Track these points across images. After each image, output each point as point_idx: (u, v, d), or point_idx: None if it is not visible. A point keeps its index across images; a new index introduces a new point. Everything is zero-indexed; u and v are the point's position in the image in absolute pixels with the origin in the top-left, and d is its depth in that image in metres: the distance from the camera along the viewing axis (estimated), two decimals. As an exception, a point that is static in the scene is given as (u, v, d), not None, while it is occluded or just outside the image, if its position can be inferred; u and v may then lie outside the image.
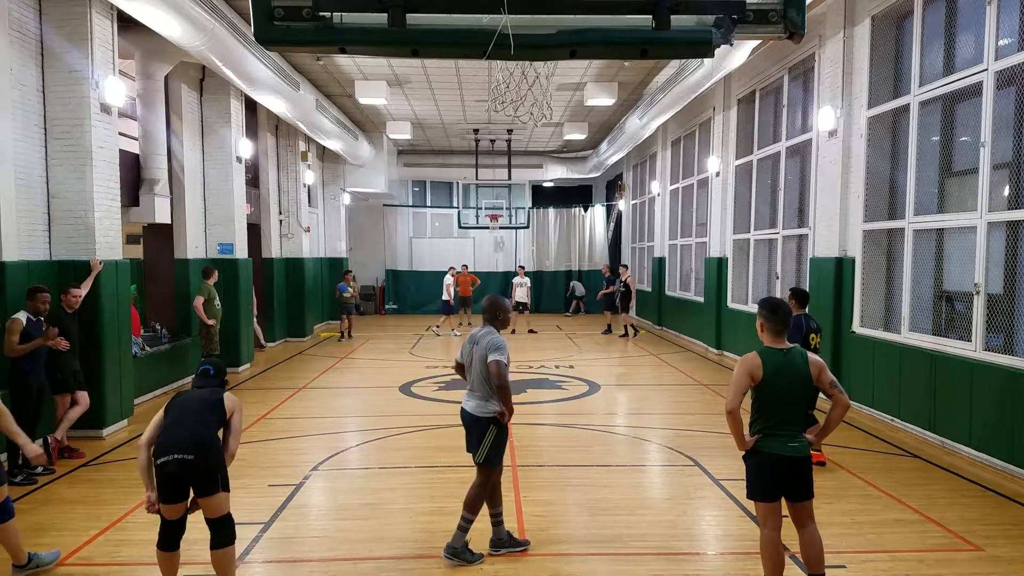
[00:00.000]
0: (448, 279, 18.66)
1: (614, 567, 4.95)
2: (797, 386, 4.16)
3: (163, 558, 4.27)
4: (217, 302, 11.10)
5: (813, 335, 6.99)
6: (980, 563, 4.97)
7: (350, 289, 17.77)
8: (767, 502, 4.21)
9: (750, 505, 6.01)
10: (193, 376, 4.62)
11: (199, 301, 10.77)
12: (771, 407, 4.15)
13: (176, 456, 4.05)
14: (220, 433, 4.35)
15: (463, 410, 5.06)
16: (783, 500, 4.22)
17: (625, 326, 18.03)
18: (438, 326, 18.75)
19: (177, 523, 4.24)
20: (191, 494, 4.20)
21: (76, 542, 5.27)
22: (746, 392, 4.18)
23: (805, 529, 4.23)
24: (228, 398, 4.40)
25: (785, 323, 4.23)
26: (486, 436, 4.92)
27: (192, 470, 4.08)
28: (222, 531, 4.24)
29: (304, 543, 5.32)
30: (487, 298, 5.23)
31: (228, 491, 4.26)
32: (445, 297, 18.58)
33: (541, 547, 5.22)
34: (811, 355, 4.23)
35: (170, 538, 4.25)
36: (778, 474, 4.15)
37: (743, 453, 4.30)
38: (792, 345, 4.25)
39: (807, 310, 7.40)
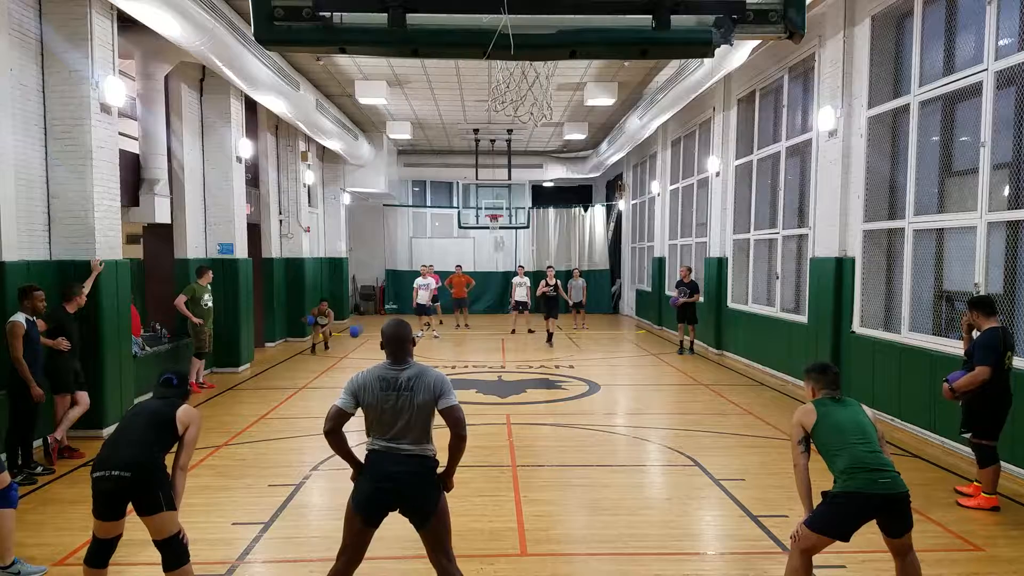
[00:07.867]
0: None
1: (614, 567, 4.96)
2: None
3: (89, 575, 4.12)
4: (207, 302, 11.09)
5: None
6: (980, 563, 4.98)
7: (324, 319, 15.31)
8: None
9: (750, 505, 6.05)
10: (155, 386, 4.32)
11: (180, 300, 10.86)
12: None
13: (112, 472, 3.91)
14: (174, 449, 4.17)
15: (388, 476, 3.81)
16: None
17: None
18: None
19: (108, 542, 4.09)
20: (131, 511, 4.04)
21: (76, 542, 5.26)
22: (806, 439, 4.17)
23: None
24: (183, 412, 4.19)
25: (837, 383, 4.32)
26: (435, 486, 3.91)
27: (128, 488, 3.93)
28: (169, 553, 4.05)
29: (304, 543, 5.33)
30: (394, 324, 3.94)
31: (175, 510, 4.06)
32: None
33: (541, 547, 5.22)
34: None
35: (99, 556, 4.11)
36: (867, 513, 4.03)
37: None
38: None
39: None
